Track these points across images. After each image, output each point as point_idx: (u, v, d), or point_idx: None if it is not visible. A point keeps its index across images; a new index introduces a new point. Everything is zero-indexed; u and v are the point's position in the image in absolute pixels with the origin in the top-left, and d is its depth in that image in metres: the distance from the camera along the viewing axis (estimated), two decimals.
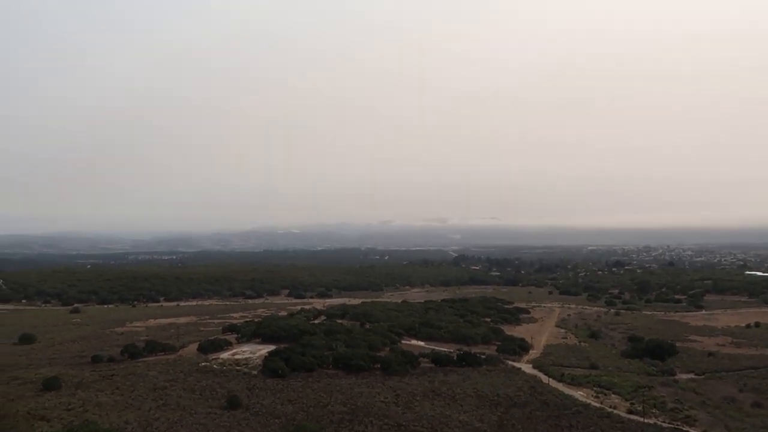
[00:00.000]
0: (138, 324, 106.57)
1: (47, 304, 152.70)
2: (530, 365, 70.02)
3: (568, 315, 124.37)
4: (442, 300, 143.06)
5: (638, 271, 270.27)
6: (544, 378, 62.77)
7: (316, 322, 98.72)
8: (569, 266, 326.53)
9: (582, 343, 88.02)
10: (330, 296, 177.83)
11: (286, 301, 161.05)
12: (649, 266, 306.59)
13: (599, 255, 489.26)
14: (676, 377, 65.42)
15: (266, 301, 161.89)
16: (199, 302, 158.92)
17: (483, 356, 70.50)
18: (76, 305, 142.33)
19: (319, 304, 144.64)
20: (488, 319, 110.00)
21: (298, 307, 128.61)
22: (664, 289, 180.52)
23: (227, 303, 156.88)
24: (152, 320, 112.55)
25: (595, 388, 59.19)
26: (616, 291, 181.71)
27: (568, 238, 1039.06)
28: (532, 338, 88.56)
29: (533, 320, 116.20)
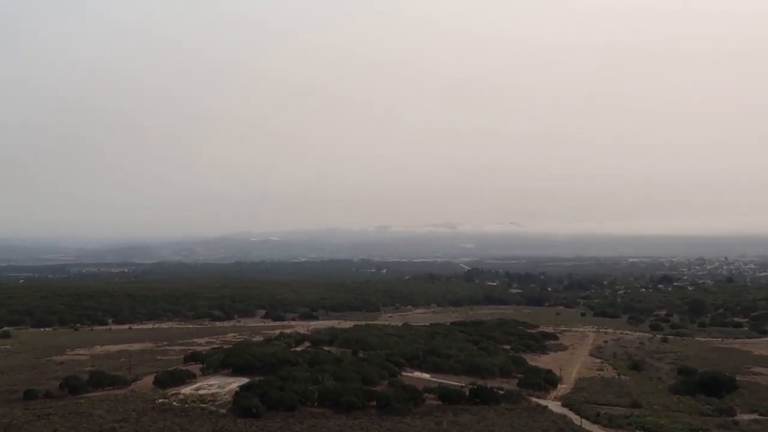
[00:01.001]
0: (81, 351, 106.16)
1: None
2: (559, 403, 70.01)
3: (605, 342, 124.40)
4: (451, 323, 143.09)
5: (690, 288, 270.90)
6: (576, 418, 62.70)
7: (298, 349, 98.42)
8: (605, 282, 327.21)
9: (622, 376, 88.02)
10: (315, 318, 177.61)
11: (262, 324, 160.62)
12: (703, 282, 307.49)
13: (642, 268, 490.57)
14: (736, 418, 65.37)
15: (238, 324, 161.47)
16: (156, 325, 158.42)
17: (501, 391, 70.47)
18: (5, 329, 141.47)
19: (302, 327, 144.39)
20: (508, 347, 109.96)
21: (277, 331, 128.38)
22: (721, 311, 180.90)
23: (190, 326, 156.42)
24: (99, 347, 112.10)
25: (637, 431, 59.15)
26: (662, 313, 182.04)
27: (604, 247, 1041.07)
28: (560, 370, 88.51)
29: (562, 348, 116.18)
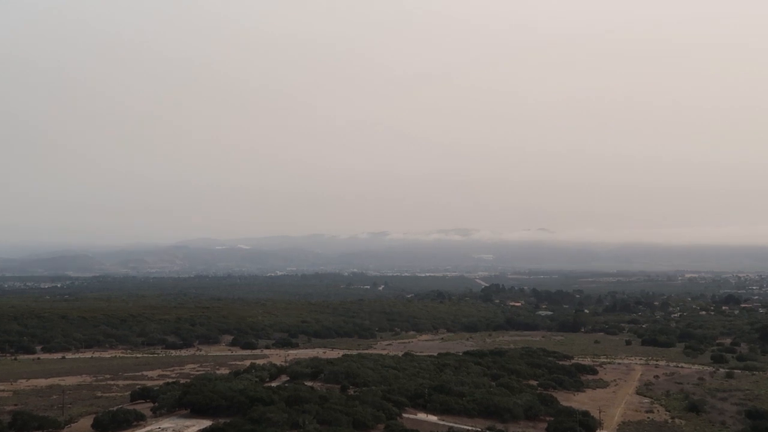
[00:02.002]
0: (2, 387, 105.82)
1: None
2: None
3: (656, 377, 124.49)
4: (464, 353, 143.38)
5: (761, 311, 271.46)
6: None
7: (273, 385, 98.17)
8: (656, 303, 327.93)
9: (676, 420, 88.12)
10: (295, 346, 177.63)
11: (229, 353, 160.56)
12: None
13: (701, 286, 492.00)
14: None
15: (198, 353, 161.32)
16: (97, 354, 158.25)
17: None
18: None
19: (278, 357, 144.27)
20: (534, 382, 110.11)
21: (247, 362, 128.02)
22: None
23: (139, 355, 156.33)
24: (24, 381, 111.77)
25: None
26: (727, 341, 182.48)
27: (655, 259, 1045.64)
28: (600, 412, 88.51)
29: (602, 384, 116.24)
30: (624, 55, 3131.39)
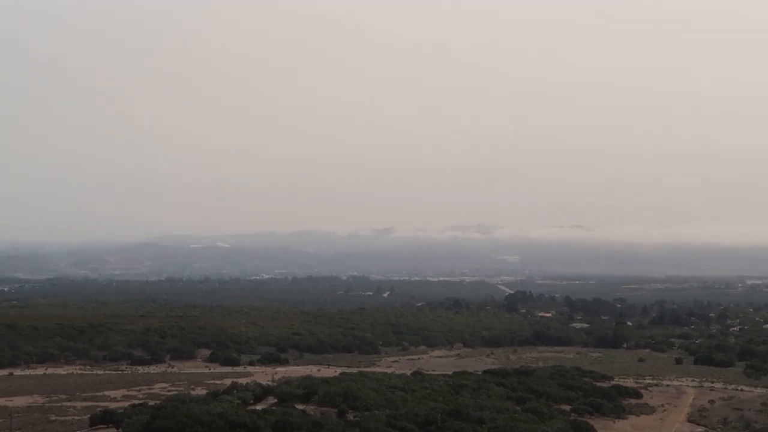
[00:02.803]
0: None
1: None
2: None
3: (711, 401, 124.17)
4: (484, 372, 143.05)
5: None
6: None
7: (258, 408, 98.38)
8: (712, 314, 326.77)
9: None
10: (284, 362, 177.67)
11: (206, 371, 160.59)
12: None
13: (767, 295, 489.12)
14: None
15: (170, 370, 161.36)
16: (50, 370, 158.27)
17: None
18: None
19: (264, 375, 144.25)
20: (567, 407, 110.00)
21: (228, 381, 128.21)
22: None
23: (99, 372, 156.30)
24: None
25: None
26: None
27: (711, 263, 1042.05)
28: None
29: (648, 409, 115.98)
30: (677, 33, 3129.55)
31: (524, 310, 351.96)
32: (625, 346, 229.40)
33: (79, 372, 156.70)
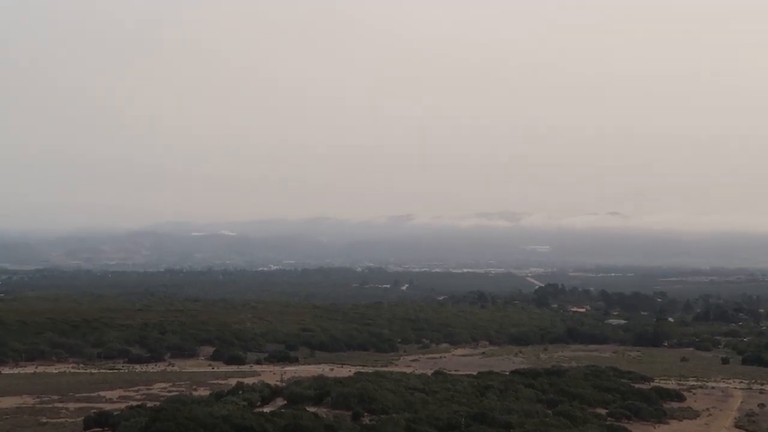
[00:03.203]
0: None
1: None
2: None
3: (760, 405, 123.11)
4: (512, 372, 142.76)
5: None
6: None
7: (266, 410, 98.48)
8: (762, 310, 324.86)
9: None
10: (294, 361, 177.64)
11: (209, 370, 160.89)
12: None
13: None
14: None
15: (170, 369, 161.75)
16: (41, 368, 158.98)
17: None
18: None
19: (272, 375, 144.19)
20: (603, 411, 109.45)
21: (233, 381, 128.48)
22: None
23: (94, 371, 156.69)
24: None
25: None
26: None
27: (760, 254, 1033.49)
28: None
29: (691, 414, 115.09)
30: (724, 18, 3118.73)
31: (555, 305, 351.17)
32: (666, 344, 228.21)
33: (72, 370, 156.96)
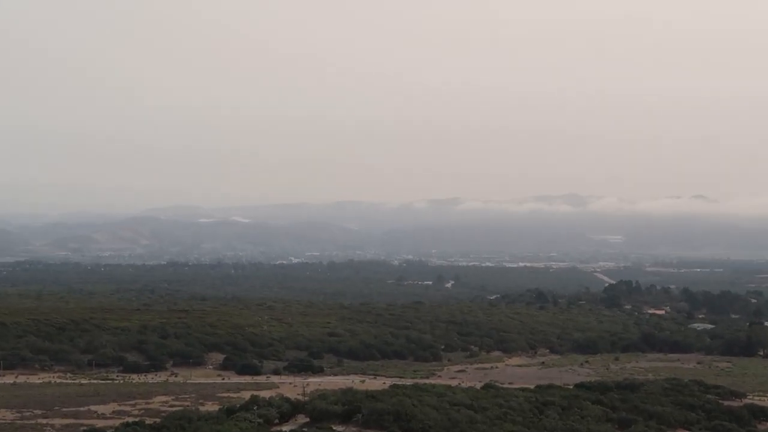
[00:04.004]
0: None
1: None
2: None
3: None
4: (577, 386, 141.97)
5: None
6: None
7: (285, 429, 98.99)
8: None
9: None
10: (319, 371, 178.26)
11: (219, 381, 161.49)
12: None
13: None
14: None
15: (173, 380, 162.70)
16: (22, 378, 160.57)
17: None
18: None
19: (293, 388, 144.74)
20: None
21: (246, 395, 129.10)
22: None
23: (84, 381, 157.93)
24: None
25: None
26: None
27: None
28: None
29: None
30: None
31: (629, 306, 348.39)
32: (761, 353, 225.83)
33: (58, 381, 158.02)
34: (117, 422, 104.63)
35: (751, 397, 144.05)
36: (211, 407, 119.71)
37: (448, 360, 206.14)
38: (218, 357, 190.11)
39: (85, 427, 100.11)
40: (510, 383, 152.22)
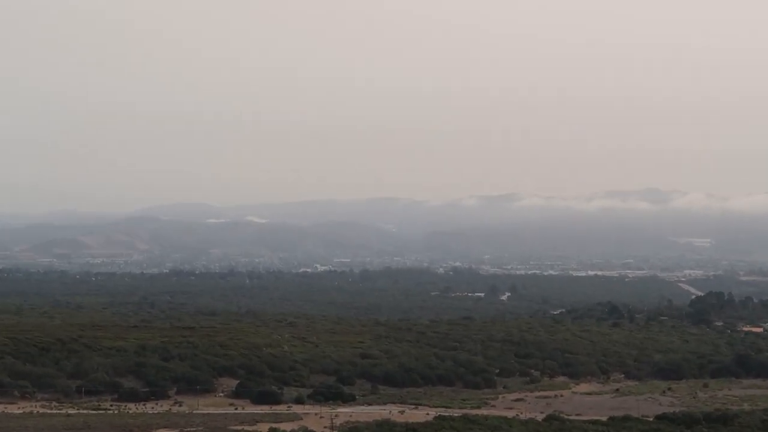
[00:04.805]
0: None
1: None
2: None
3: None
4: (657, 418, 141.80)
5: None
6: None
7: None
8: None
9: None
10: (350, 399, 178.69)
11: (231, 411, 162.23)
12: None
13: None
14: None
15: (177, 409, 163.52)
16: (1, 407, 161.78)
17: None
18: None
19: (319, 419, 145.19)
20: None
21: (264, 428, 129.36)
22: None
23: (72, 412, 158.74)
24: None
25: None
26: None
27: None
28: None
29: None
30: None
31: (720, 323, 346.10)
32: None
33: (42, 411, 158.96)
34: None
35: None
36: None
37: (504, 387, 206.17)
38: (230, 383, 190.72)
39: None
40: (578, 415, 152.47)
